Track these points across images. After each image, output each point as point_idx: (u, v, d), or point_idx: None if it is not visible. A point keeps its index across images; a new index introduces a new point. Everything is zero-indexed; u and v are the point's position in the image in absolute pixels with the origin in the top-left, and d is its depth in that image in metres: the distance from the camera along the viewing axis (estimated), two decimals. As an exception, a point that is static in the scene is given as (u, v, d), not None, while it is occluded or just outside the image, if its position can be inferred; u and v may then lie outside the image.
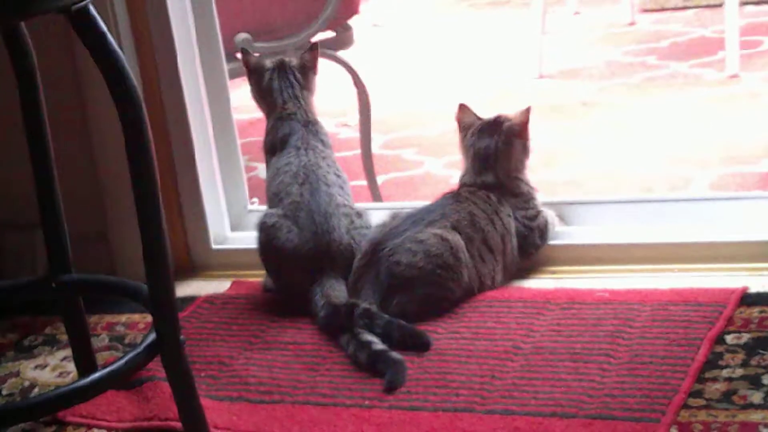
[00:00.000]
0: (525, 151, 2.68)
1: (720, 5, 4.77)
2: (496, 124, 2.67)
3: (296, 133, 2.69)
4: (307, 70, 2.77)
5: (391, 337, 2.36)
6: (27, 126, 2.17)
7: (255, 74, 2.77)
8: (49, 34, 2.38)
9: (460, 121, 2.71)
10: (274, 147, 2.72)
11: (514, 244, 2.63)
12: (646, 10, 5.40)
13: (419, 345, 2.36)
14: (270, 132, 2.74)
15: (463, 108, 2.71)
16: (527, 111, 2.67)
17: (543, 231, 2.67)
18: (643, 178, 3.54)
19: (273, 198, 2.65)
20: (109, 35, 1.88)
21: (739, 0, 4.51)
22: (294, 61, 2.76)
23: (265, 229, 2.60)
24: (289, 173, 2.63)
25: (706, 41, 4.85)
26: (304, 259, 2.55)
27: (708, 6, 5.27)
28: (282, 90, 2.74)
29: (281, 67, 2.75)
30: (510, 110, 2.71)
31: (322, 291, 2.51)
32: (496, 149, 2.64)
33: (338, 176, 2.65)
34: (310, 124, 2.71)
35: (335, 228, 2.57)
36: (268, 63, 2.76)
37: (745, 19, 4.82)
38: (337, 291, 2.51)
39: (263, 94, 2.77)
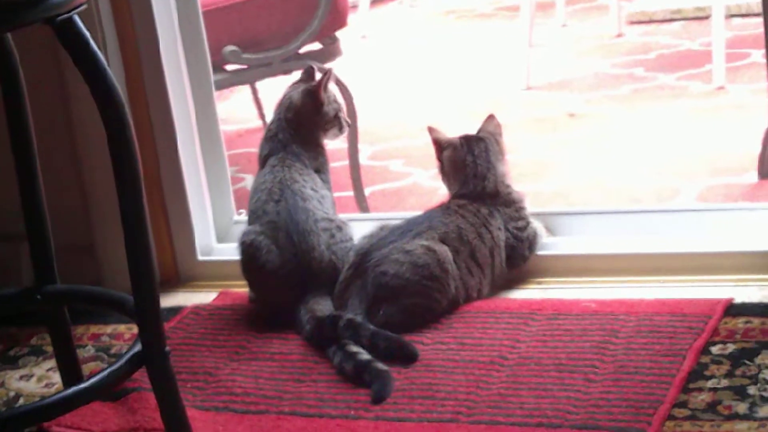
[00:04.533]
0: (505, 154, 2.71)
1: (707, 18, 4.79)
2: (477, 135, 2.69)
3: (276, 153, 2.68)
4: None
5: (377, 347, 2.36)
6: (12, 137, 2.17)
7: None
8: (34, 44, 2.37)
9: (437, 140, 2.71)
10: (260, 164, 2.72)
11: (503, 257, 2.63)
12: (633, 23, 5.41)
13: (405, 356, 2.36)
14: (259, 149, 2.75)
15: (433, 129, 2.73)
16: (492, 117, 2.72)
17: (531, 242, 2.67)
18: (630, 189, 3.55)
19: (251, 216, 2.65)
20: (94, 46, 1.87)
21: (726, 13, 4.53)
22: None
23: (245, 249, 2.60)
24: (264, 191, 2.63)
25: (693, 53, 4.86)
26: (285, 279, 2.55)
27: (695, 18, 5.28)
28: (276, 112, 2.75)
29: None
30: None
31: (307, 307, 2.51)
32: (492, 152, 2.66)
33: (315, 191, 2.63)
34: (291, 146, 2.69)
35: (315, 246, 2.56)
36: None
37: (732, 31, 4.84)
38: (321, 305, 2.51)
39: None
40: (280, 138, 2.69)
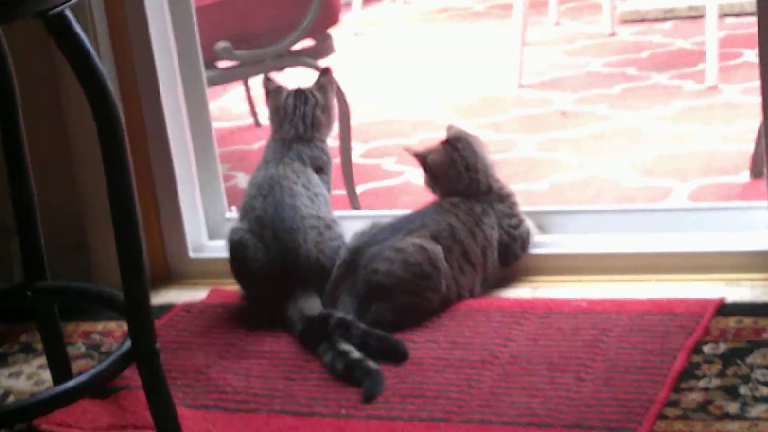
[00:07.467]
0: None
1: (700, 17, 4.79)
2: (455, 135, 2.69)
3: (276, 151, 2.68)
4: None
5: (368, 346, 2.36)
6: (3, 132, 2.16)
7: None
8: (26, 37, 2.36)
9: (417, 154, 2.68)
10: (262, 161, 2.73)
11: (495, 257, 2.62)
12: (626, 22, 5.41)
13: (396, 354, 2.36)
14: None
15: (410, 148, 2.73)
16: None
17: (525, 241, 2.67)
18: (623, 188, 3.55)
19: (242, 211, 2.64)
20: (86, 41, 1.86)
21: (719, 12, 4.52)
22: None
23: (232, 246, 2.60)
24: (255, 185, 2.62)
25: (686, 53, 4.86)
26: (272, 277, 2.54)
27: (688, 17, 5.28)
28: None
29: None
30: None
31: (296, 306, 2.50)
32: (475, 145, 2.67)
33: (307, 188, 2.62)
34: (289, 143, 2.68)
35: (301, 244, 2.55)
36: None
37: (725, 30, 4.84)
38: (311, 304, 2.50)
39: None
40: (283, 137, 2.69)
